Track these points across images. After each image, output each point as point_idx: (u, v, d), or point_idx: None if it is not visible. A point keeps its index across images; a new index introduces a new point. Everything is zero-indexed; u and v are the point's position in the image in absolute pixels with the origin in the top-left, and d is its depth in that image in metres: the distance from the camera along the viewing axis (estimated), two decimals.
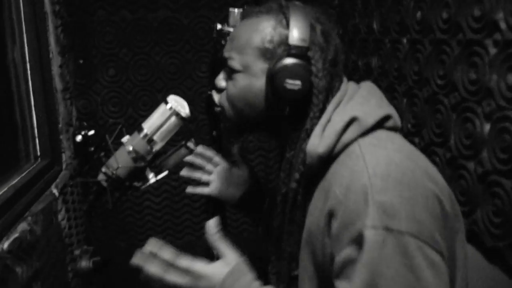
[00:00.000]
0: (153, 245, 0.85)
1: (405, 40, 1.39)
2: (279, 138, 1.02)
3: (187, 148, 1.05)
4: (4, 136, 1.61)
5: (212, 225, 0.86)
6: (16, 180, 1.52)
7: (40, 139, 1.74)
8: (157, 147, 1.00)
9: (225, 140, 1.55)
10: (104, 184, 1.00)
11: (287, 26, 0.88)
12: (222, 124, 1.00)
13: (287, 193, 0.92)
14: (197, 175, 1.19)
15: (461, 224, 0.84)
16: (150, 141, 0.99)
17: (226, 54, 0.95)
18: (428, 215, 0.74)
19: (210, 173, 1.20)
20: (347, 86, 0.92)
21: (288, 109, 0.89)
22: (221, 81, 0.99)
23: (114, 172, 0.98)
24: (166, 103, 1.00)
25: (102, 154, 1.01)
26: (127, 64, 1.96)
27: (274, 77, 0.86)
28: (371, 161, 0.77)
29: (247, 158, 1.23)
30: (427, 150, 1.27)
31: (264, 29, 0.90)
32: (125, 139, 1.00)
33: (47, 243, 1.53)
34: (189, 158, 1.12)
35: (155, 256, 0.83)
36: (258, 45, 0.90)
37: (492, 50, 1.00)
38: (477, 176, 1.06)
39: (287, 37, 0.87)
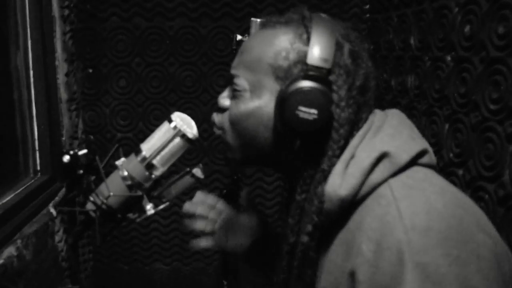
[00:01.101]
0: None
1: (449, 58, 1.22)
2: (287, 176, 0.85)
3: (193, 176, 0.89)
4: (2, 148, 1.49)
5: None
6: (8, 198, 1.39)
7: (41, 152, 1.62)
8: (157, 173, 0.85)
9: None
10: (93, 214, 0.85)
11: (308, 41, 0.71)
12: (227, 154, 0.82)
13: (296, 244, 0.75)
14: (200, 225, 1.03)
15: None
16: (149, 166, 0.83)
17: (233, 70, 0.79)
18: (482, 279, 0.56)
19: (215, 222, 1.04)
20: (374, 115, 0.75)
21: (299, 143, 0.72)
22: (224, 99, 0.82)
23: (105, 201, 0.82)
24: (170, 121, 0.85)
25: (93, 178, 0.87)
26: (139, 75, 1.83)
27: (284, 102, 0.69)
28: (407, 209, 0.61)
29: (255, 203, 1.06)
30: (472, 185, 1.09)
31: (280, 43, 0.73)
32: (120, 161, 0.85)
33: (38, 269, 1.38)
34: (188, 207, 0.98)
35: None
36: (271, 62, 0.73)
37: None
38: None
39: (305, 55, 0.70)
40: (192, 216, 1.02)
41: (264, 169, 1.89)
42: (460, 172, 1.15)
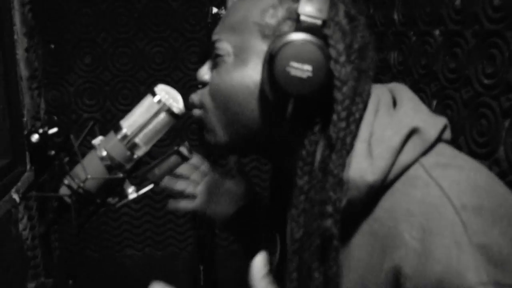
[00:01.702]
0: None
1: (437, 32, 1.18)
2: (279, 159, 0.75)
3: (180, 154, 0.82)
4: None
5: (258, 265, 0.61)
6: None
7: (0, 134, 1.50)
8: (139, 153, 0.76)
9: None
10: (68, 200, 0.76)
11: None
12: (204, 135, 0.74)
13: (307, 238, 0.65)
14: (181, 186, 0.96)
15: None
16: (130, 144, 0.75)
17: (214, 36, 0.71)
18: None
19: (197, 184, 0.97)
20: (377, 89, 0.69)
21: (292, 109, 0.62)
22: (204, 73, 0.74)
23: (82, 184, 0.74)
24: (154, 94, 0.77)
25: (67, 159, 0.78)
26: (106, 52, 1.72)
27: (273, 59, 0.61)
28: (452, 188, 0.55)
29: (244, 169, 1.00)
30: None
31: (267, 1, 0.67)
32: (98, 140, 0.77)
33: (2, 259, 1.28)
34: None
35: None
36: (257, 20, 0.66)
37: None
38: None
39: (296, 10, 0.63)
40: (174, 189, 0.94)
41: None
42: None
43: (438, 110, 1.18)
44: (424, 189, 0.56)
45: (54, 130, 0.77)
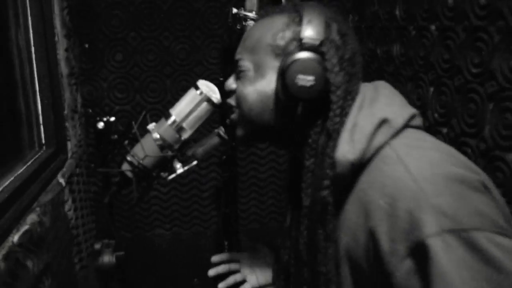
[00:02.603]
0: None
1: (433, 27, 1.34)
2: (292, 147, 0.95)
3: (220, 136, 0.99)
4: (7, 123, 1.54)
5: None
6: (22, 169, 1.45)
7: (45, 126, 1.67)
8: (185, 135, 0.94)
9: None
10: (129, 174, 0.93)
11: (300, 22, 0.83)
12: (235, 131, 0.93)
13: (312, 205, 0.84)
14: (231, 280, 1.21)
15: (505, 205, 0.79)
16: (178, 128, 0.92)
17: (237, 55, 0.91)
18: (483, 203, 0.69)
19: (238, 271, 1.22)
20: (365, 88, 0.87)
21: (301, 109, 0.83)
22: (231, 84, 0.94)
23: (140, 161, 0.91)
24: (197, 88, 0.94)
25: (126, 142, 0.95)
26: (135, 49, 1.89)
27: (285, 73, 0.80)
28: (412, 163, 0.72)
29: (257, 242, 1.26)
30: (457, 141, 1.23)
31: (277, 26, 0.86)
32: (151, 126, 0.94)
33: (55, 235, 1.46)
34: (213, 272, 1.14)
35: None
36: (270, 42, 0.85)
37: None
38: None
39: (299, 33, 0.82)
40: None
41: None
42: (445, 130, 1.29)
43: (434, 96, 1.33)
44: (393, 165, 0.73)
45: (113, 118, 0.94)
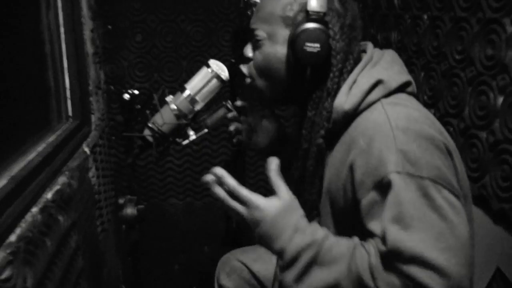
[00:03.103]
0: (220, 172, 0.92)
1: (425, 17, 1.46)
2: (300, 103, 1.08)
3: (227, 108, 1.14)
4: (38, 97, 1.71)
5: (273, 161, 0.92)
6: (52, 138, 1.62)
7: (72, 100, 1.84)
8: (198, 107, 1.10)
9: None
10: (150, 139, 1.09)
11: None
12: (251, 95, 1.07)
13: (308, 148, 1.00)
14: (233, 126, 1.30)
15: (466, 177, 0.94)
16: (192, 101, 1.08)
17: (252, 25, 1.04)
18: (442, 163, 0.83)
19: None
20: (373, 52, 1.00)
21: (309, 71, 0.96)
22: (248, 51, 1.07)
23: (160, 128, 1.07)
24: (208, 66, 1.09)
25: (148, 112, 1.10)
26: (154, 31, 2.04)
27: (295, 42, 0.94)
28: (393, 115, 0.86)
29: (275, 112, 1.33)
30: (441, 120, 1.36)
31: (286, 0, 0.98)
32: (169, 98, 1.09)
33: (81, 197, 1.64)
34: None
35: (220, 181, 0.91)
36: (280, 14, 0.98)
37: (510, 29, 1.08)
38: (489, 144, 1.15)
39: (306, 5, 0.95)
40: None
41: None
42: (432, 111, 1.42)
43: (424, 80, 1.47)
44: (377, 114, 0.88)
45: (137, 92, 1.10)
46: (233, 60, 2.03)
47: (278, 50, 0.99)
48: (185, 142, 1.14)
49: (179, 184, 2.25)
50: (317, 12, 0.93)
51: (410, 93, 0.97)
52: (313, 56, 0.93)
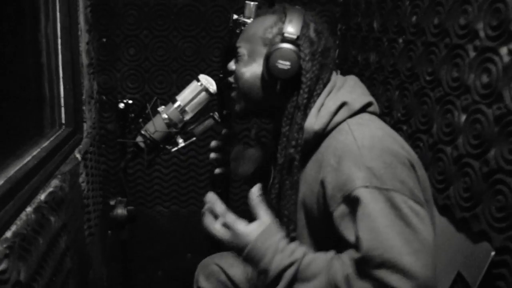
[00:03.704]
0: (210, 198, 1.03)
1: (400, 40, 1.58)
2: (275, 118, 1.17)
3: (214, 119, 1.23)
4: (34, 104, 1.78)
5: (255, 191, 1.02)
6: (46, 143, 1.70)
7: (65, 108, 1.91)
8: (187, 117, 1.19)
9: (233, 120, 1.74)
10: (142, 145, 1.18)
11: (284, 21, 1.07)
12: (234, 106, 1.18)
13: (284, 163, 1.08)
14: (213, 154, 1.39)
15: (429, 185, 1.04)
16: (182, 111, 1.17)
17: (237, 44, 1.15)
18: (406, 175, 0.92)
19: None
20: (336, 78, 1.11)
21: (279, 86, 1.05)
22: (231, 65, 1.18)
23: (152, 135, 1.15)
24: (198, 80, 1.19)
25: (141, 120, 1.19)
26: (147, 45, 2.13)
27: (268, 58, 1.04)
28: (359, 135, 0.96)
29: (261, 140, 1.43)
30: (413, 136, 1.47)
31: (267, 23, 1.10)
32: (161, 108, 1.18)
33: (71, 200, 1.71)
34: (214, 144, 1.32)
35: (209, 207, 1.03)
36: (261, 35, 1.09)
37: (472, 54, 1.20)
38: (453, 158, 1.26)
39: (283, 29, 1.06)
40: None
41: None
42: (405, 127, 1.53)
43: (399, 98, 1.58)
44: (345, 135, 0.97)
45: (131, 101, 1.18)
46: (221, 75, 2.13)
47: (255, 65, 1.10)
48: (174, 149, 1.23)
49: (165, 192, 2.32)
50: (291, 36, 1.04)
51: (372, 113, 1.07)
52: (283, 72, 1.03)
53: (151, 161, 1.22)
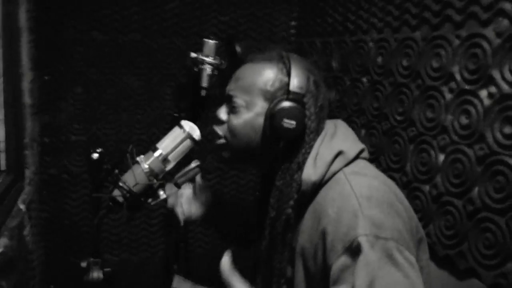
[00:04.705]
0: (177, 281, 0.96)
1: (365, 80, 1.62)
2: (266, 171, 1.14)
3: (202, 169, 1.16)
4: None
5: (226, 261, 0.98)
6: None
7: (7, 153, 1.73)
8: (169, 167, 1.10)
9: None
10: (121, 199, 1.07)
11: (287, 74, 1.03)
12: (220, 154, 1.11)
13: (276, 216, 1.04)
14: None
15: (423, 235, 1.04)
16: (164, 160, 1.09)
17: (231, 92, 1.08)
18: (403, 226, 0.92)
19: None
20: (327, 124, 1.10)
21: (282, 144, 1.03)
22: (223, 114, 1.11)
23: (132, 188, 1.05)
24: (181, 127, 1.11)
25: (117, 171, 1.08)
26: (95, 83, 2.01)
27: (274, 116, 1.00)
28: (356, 186, 0.95)
29: (207, 184, 1.37)
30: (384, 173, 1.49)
31: (267, 75, 1.05)
32: (141, 158, 1.09)
33: (19, 259, 1.53)
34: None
35: None
36: (261, 87, 1.04)
37: (448, 96, 1.24)
38: (432, 196, 1.29)
39: (287, 84, 1.02)
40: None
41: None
42: (374, 164, 1.55)
43: (366, 137, 1.60)
44: (342, 185, 0.96)
45: (101, 149, 1.07)
46: (176, 114, 2.06)
47: (254, 119, 1.04)
48: (155, 202, 1.13)
49: (114, 239, 2.17)
50: (298, 93, 1.01)
51: (364, 158, 1.07)
52: (289, 131, 1.00)
53: (131, 215, 1.12)
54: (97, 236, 1.12)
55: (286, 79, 1.03)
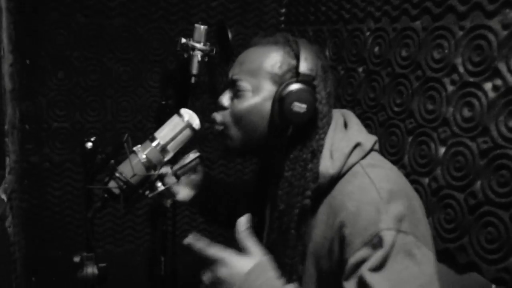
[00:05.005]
0: (189, 240, 0.90)
1: (361, 70, 1.59)
2: (270, 161, 1.08)
3: (202, 159, 1.11)
4: None
5: (243, 222, 0.91)
6: None
7: None
8: (168, 157, 1.05)
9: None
10: (117, 191, 1.01)
11: (295, 57, 0.98)
12: (222, 143, 1.06)
13: (287, 210, 0.99)
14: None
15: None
16: (163, 150, 1.03)
17: (235, 76, 1.03)
18: (420, 214, 0.91)
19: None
20: (334, 113, 1.06)
21: (291, 130, 0.97)
22: (225, 100, 1.05)
23: (129, 179, 1.00)
24: (180, 115, 1.05)
25: (112, 161, 1.02)
26: (78, 68, 1.92)
27: (283, 99, 0.95)
28: (376, 178, 0.92)
29: (202, 167, 1.31)
30: None
31: (274, 57, 1.00)
32: (138, 147, 1.03)
33: (0, 250, 1.46)
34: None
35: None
36: (269, 70, 0.99)
37: (450, 88, 1.22)
38: (431, 189, 1.27)
39: (295, 67, 0.97)
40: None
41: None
42: None
43: None
44: (361, 178, 0.93)
45: (94, 138, 1.01)
46: (164, 102, 2.00)
47: (261, 104, 0.99)
48: (153, 194, 1.08)
49: (98, 230, 2.09)
50: (308, 75, 0.96)
51: (376, 150, 1.04)
52: (299, 116, 0.94)
53: (129, 208, 1.06)
54: (91, 230, 1.06)
55: (294, 62, 0.98)
